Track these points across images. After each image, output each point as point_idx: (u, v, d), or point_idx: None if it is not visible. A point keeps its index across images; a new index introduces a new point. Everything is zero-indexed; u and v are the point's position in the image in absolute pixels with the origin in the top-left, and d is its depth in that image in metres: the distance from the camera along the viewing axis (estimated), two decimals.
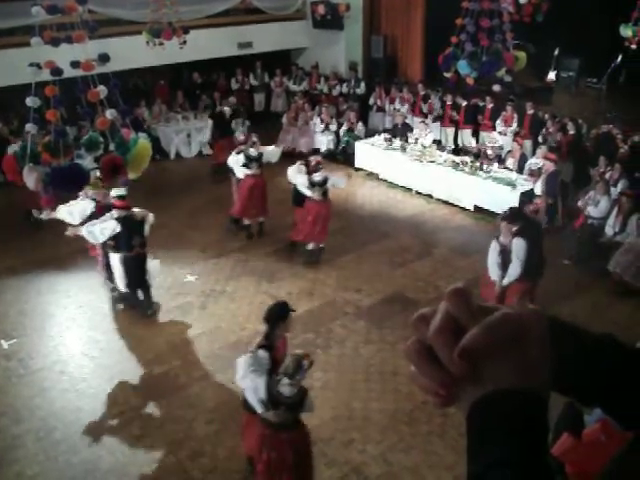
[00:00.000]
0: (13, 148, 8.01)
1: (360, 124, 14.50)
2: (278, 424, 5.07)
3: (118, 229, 7.24)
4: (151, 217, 7.98)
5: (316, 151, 10.30)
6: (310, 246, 9.80)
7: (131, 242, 7.62)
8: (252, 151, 10.27)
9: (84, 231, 7.04)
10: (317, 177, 9.31)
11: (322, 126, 14.78)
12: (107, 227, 7.10)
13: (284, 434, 5.15)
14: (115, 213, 7.24)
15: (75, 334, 8.29)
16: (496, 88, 11.48)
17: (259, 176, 10.46)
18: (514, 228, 7.06)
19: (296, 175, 9.40)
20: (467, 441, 0.75)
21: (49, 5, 5.74)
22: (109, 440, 6.40)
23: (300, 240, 9.87)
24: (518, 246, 7.03)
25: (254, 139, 10.41)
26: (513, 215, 7.21)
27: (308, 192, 9.33)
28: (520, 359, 0.74)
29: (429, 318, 0.78)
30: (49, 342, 8.13)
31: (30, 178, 5.48)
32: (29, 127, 5.81)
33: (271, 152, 10.58)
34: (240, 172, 10.28)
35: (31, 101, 5.74)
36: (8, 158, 6.04)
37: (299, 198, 9.66)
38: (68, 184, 5.52)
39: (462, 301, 0.77)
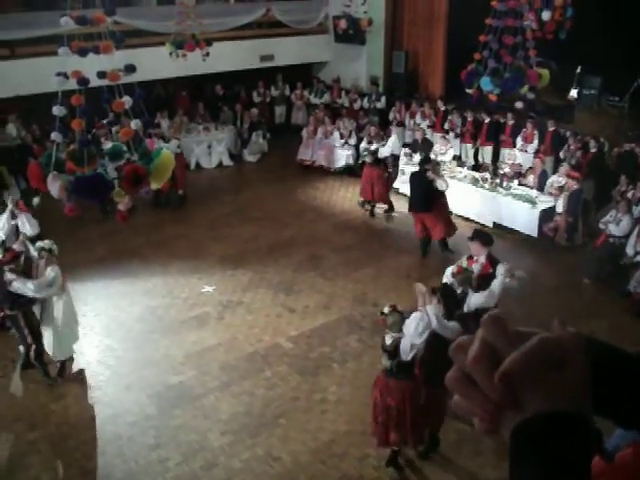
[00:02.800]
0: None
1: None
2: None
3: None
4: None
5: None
6: None
7: None
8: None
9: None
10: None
11: (342, 140, 14.82)
12: None
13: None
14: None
15: (92, 342, 8.33)
16: (518, 105, 11.44)
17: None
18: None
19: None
20: (509, 465, 0.75)
21: (78, 16, 5.82)
22: (123, 448, 6.41)
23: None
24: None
25: None
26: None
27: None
28: (560, 382, 0.73)
29: (467, 346, 0.79)
30: None
31: (54, 186, 5.54)
32: (54, 136, 5.88)
33: None
34: None
35: (57, 110, 5.81)
36: (33, 166, 6.11)
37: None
38: (91, 193, 5.57)
39: (498, 328, 0.78)
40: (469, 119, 13.83)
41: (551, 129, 12.47)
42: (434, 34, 15.69)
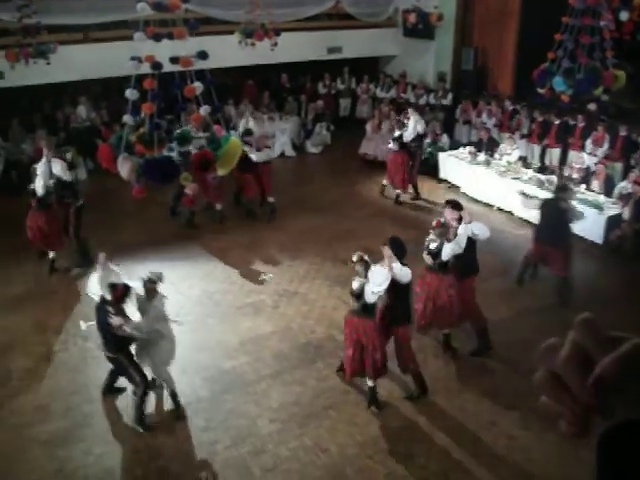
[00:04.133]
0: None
1: (445, 136, 14.33)
2: None
3: None
4: None
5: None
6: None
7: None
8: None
9: None
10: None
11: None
12: None
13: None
14: None
15: None
16: (592, 107, 11.12)
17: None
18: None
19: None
20: (596, 472, 0.73)
21: (154, 2, 5.93)
22: (174, 429, 6.54)
23: None
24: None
25: None
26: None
27: None
28: None
29: (557, 347, 0.77)
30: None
31: (124, 167, 5.66)
32: (126, 118, 6.01)
33: None
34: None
35: (130, 93, 5.93)
36: (104, 147, 6.26)
37: None
38: (160, 176, 5.67)
39: (591, 330, 0.76)
40: (538, 119, 13.51)
41: (623, 134, 12.07)
42: (505, 31, 15.36)
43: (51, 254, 9.80)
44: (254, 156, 11.30)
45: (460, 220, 7.55)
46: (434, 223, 7.45)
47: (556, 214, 8.67)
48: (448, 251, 7.29)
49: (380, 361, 6.70)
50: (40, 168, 8.78)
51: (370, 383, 6.83)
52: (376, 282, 6.38)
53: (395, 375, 7.30)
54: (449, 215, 7.68)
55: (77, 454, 6.16)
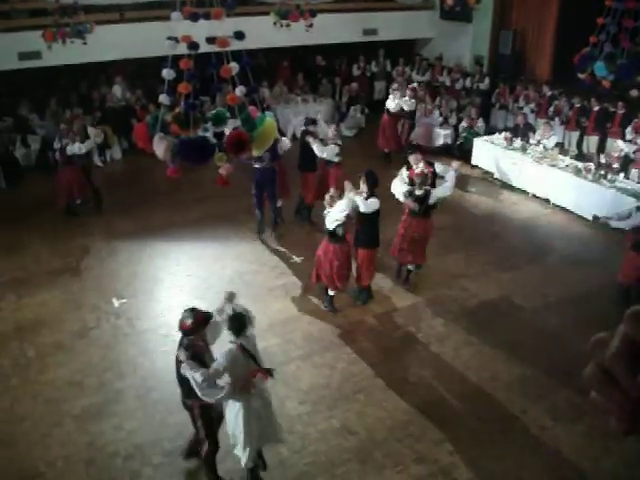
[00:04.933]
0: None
1: (481, 120, 14.14)
2: None
3: None
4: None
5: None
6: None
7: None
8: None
9: None
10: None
11: (441, 119, 14.54)
12: None
13: None
14: None
15: (181, 301, 8.56)
16: (634, 93, 10.83)
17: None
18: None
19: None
20: None
21: None
22: None
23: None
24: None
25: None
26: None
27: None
28: None
29: (606, 342, 0.74)
30: (156, 306, 8.48)
31: (159, 147, 5.68)
32: (162, 98, 6.02)
33: None
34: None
35: (166, 73, 5.93)
36: (140, 126, 6.29)
37: None
38: (195, 156, 5.68)
39: None
40: (576, 105, 13.24)
41: None
42: (545, 14, 15.02)
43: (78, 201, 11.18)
44: (317, 150, 9.87)
45: (430, 165, 8.85)
46: (415, 175, 8.50)
47: None
48: (439, 194, 8.47)
49: (338, 275, 8.03)
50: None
51: (330, 292, 8.26)
52: (335, 211, 7.67)
53: (424, 359, 7.29)
54: (414, 160, 8.87)
55: (108, 429, 6.26)
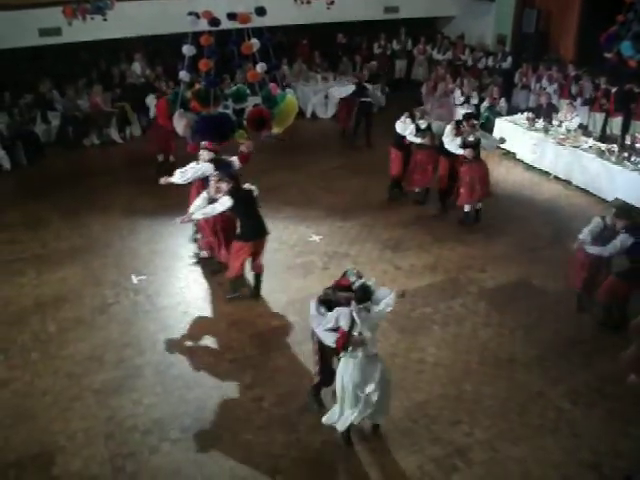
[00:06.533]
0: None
1: (503, 100, 13.96)
2: None
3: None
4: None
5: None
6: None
7: None
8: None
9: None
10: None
11: (462, 98, 14.36)
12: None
13: None
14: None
15: (200, 279, 8.62)
16: None
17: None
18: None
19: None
20: None
21: None
22: (221, 383, 6.64)
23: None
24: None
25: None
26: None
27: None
28: None
29: None
30: (176, 283, 8.51)
31: (180, 124, 5.67)
32: (182, 75, 6.00)
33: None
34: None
35: (187, 49, 5.90)
36: (161, 102, 6.28)
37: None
38: (215, 133, 5.66)
39: None
40: (602, 86, 13.00)
41: None
42: None
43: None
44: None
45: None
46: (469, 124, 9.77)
47: None
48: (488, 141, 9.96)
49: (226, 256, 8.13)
50: None
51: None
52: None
53: (442, 339, 7.28)
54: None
55: (127, 404, 6.32)
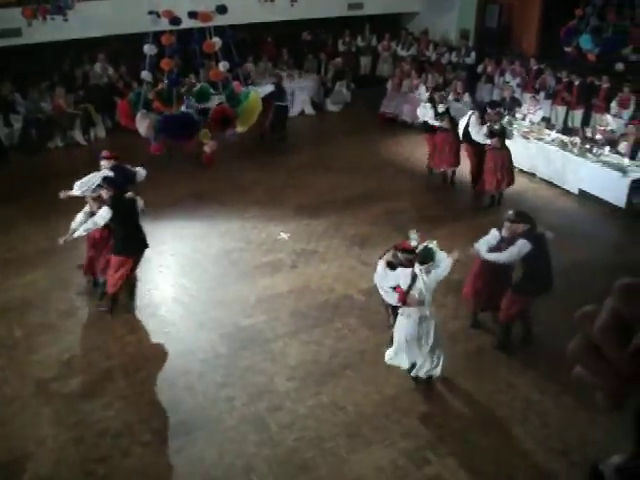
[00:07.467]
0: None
1: (467, 95, 14.08)
2: None
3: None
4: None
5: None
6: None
7: None
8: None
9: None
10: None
11: (427, 94, 14.44)
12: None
13: None
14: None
15: (167, 280, 8.57)
16: (619, 67, 10.80)
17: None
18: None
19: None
20: (634, 442, 0.70)
21: None
22: (192, 384, 6.61)
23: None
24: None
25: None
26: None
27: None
28: None
29: (593, 315, 0.72)
30: (143, 285, 8.42)
31: (142, 124, 5.63)
32: (144, 74, 5.95)
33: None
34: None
35: (148, 48, 5.85)
36: (123, 103, 6.22)
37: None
38: (178, 133, 5.63)
39: (631, 297, 0.70)
40: (563, 79, 13.20)
41: None
42: None
43: None
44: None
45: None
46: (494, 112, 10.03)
47: None
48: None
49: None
50: None
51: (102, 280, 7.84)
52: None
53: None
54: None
55: (97, 408, 6.25)
